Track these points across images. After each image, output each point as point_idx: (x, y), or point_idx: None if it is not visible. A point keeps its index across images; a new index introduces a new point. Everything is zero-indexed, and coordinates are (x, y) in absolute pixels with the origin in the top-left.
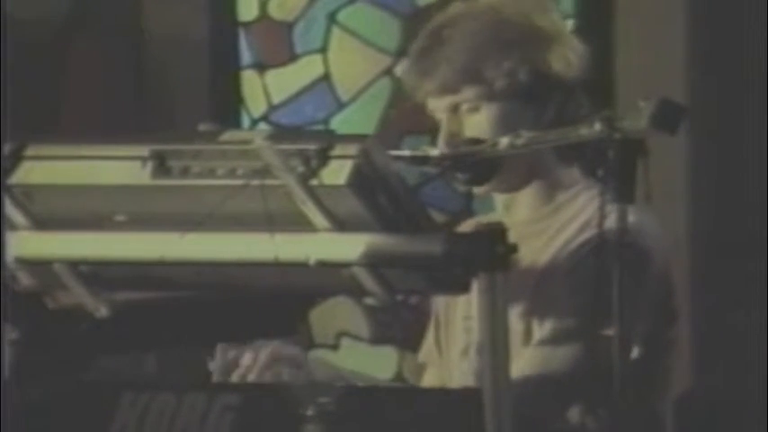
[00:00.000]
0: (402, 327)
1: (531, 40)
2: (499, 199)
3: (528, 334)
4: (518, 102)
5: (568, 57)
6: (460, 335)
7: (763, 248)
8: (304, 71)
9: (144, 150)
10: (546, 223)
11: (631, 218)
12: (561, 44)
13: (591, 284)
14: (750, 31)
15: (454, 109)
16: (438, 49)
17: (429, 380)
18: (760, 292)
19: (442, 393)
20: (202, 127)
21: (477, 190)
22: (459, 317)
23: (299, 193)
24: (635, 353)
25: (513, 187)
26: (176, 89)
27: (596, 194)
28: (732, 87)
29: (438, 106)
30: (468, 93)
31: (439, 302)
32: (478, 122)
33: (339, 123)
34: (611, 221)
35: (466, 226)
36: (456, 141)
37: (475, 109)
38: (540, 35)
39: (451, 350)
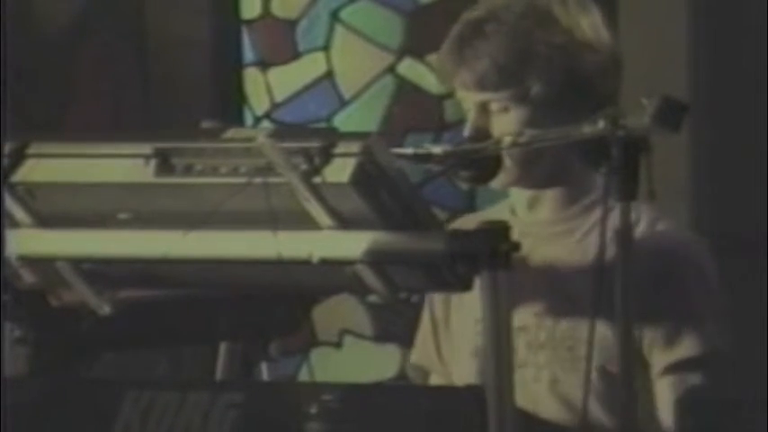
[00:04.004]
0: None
1: (575, 46)
2: (523, 196)
3: (542, 332)
4: (549, 108)
5: (607, 67)
6: (472, 338)
7: (764, 246)
8: (307, 69)
9: (147, 148)
10: (574, 224)
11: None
12: (600, 52)
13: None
14: (753, 28)
15: (484, 104)
16: (481, 43)
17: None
18: (760, 290)
19: (446, 392)
20: (205, 125)
21: (498, 185)
22: (469, 320)
23: (302, 191)
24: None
25: (538, 185)
26: (179, 87)
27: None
28: (735, 84)
29: (468, 98)
30: (504, 93)
31: (436, 306)
32: (506, 123)
33: (342, 121)
34: (643, 228)
35: (467, 220)
36: (481, 136)
37: (505, 110)
38: (584, 41)
39: (457, 354)
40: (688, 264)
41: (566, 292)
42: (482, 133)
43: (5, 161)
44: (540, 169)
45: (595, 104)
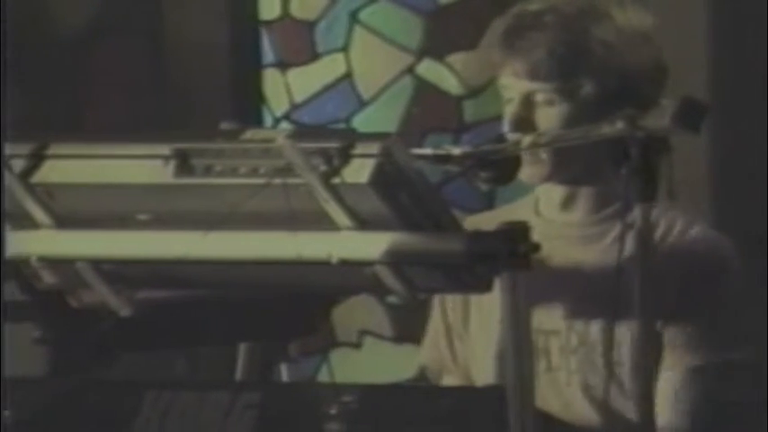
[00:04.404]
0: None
1: (627, 49)
2: (556, 195)
3: (573, 336)
4: (594, 110)
5: (654, 73)
6: (494, 339)
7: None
8: (326, 70)
9: (166, 149)
10: (606, 227)
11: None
12: (650, 58)
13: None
14: None
15: (529, 95)
16: (539, 33)
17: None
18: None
19: (466, 392)
20: (225, 126)
21: (533, 179)
22: (492, 321)
23: (322, 192)
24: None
25: (573, 181)
26: (199, 88)
27: (665, 206)
28: (755, 85)
29: (513, 86)
30: (553, 85)
31: (450, 311)
32: (549, 116)
33: (361, 122)
34: (689, 234)
35: (484, 218)
36: (523, 126)
37: (550, 102)
38: (635, 45)
39: (478, 355)
40: (723, 268)
41: (596, 295)
42: (523, 124)
43: (24, 162)
44: (577, 165)
45: (638, 107)
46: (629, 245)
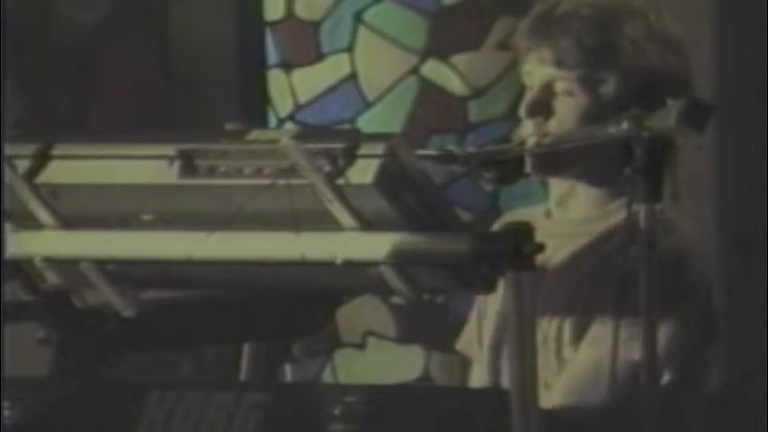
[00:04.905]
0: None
1: (656, 56)
2: (555, 192)
3: (539, 334)
4: (611, 104)
5: (677, 85)
6: (492, 330)
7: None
8: (330, 70)
9: (171, 149)
10: (596, 225)
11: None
12: (677, 70)
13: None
14: None
15: (550, 84)
16: (570, 22)
17: (475, 377)
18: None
19: (469, 392)
20: (229, 126)
21: (538, 174)
22: (492, 312)
23: (326, 192)
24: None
25: (574, 176)
26: (203, 89)
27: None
28: (755, 85)
29: (536, 73)
30: (576, 74)
31: (481, 298)
32: (567, 106)
33: (365, 122)
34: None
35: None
36: (539, 112)
37: (569, 93)
38: (664, 55)
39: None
40: (692, 281)
41: (566, 293)
42: (539, 110)
43: (29, 162)
44: (583, 161)
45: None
46: (611, 242)
